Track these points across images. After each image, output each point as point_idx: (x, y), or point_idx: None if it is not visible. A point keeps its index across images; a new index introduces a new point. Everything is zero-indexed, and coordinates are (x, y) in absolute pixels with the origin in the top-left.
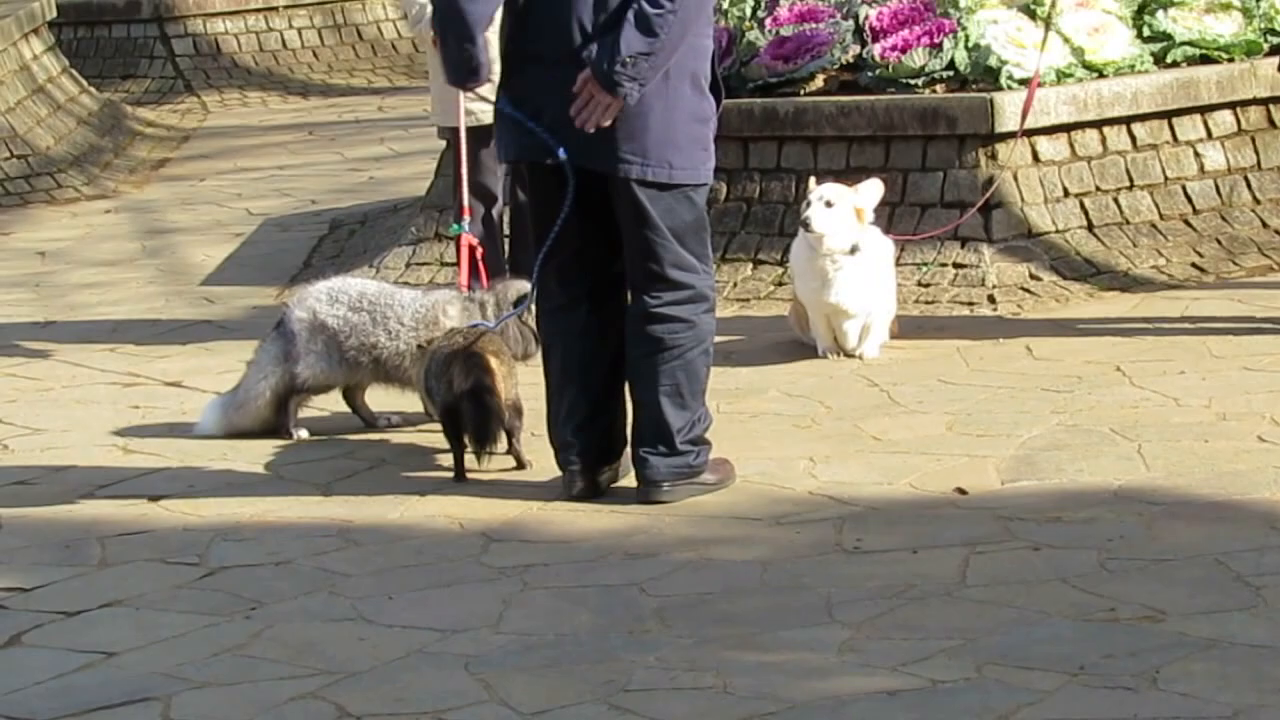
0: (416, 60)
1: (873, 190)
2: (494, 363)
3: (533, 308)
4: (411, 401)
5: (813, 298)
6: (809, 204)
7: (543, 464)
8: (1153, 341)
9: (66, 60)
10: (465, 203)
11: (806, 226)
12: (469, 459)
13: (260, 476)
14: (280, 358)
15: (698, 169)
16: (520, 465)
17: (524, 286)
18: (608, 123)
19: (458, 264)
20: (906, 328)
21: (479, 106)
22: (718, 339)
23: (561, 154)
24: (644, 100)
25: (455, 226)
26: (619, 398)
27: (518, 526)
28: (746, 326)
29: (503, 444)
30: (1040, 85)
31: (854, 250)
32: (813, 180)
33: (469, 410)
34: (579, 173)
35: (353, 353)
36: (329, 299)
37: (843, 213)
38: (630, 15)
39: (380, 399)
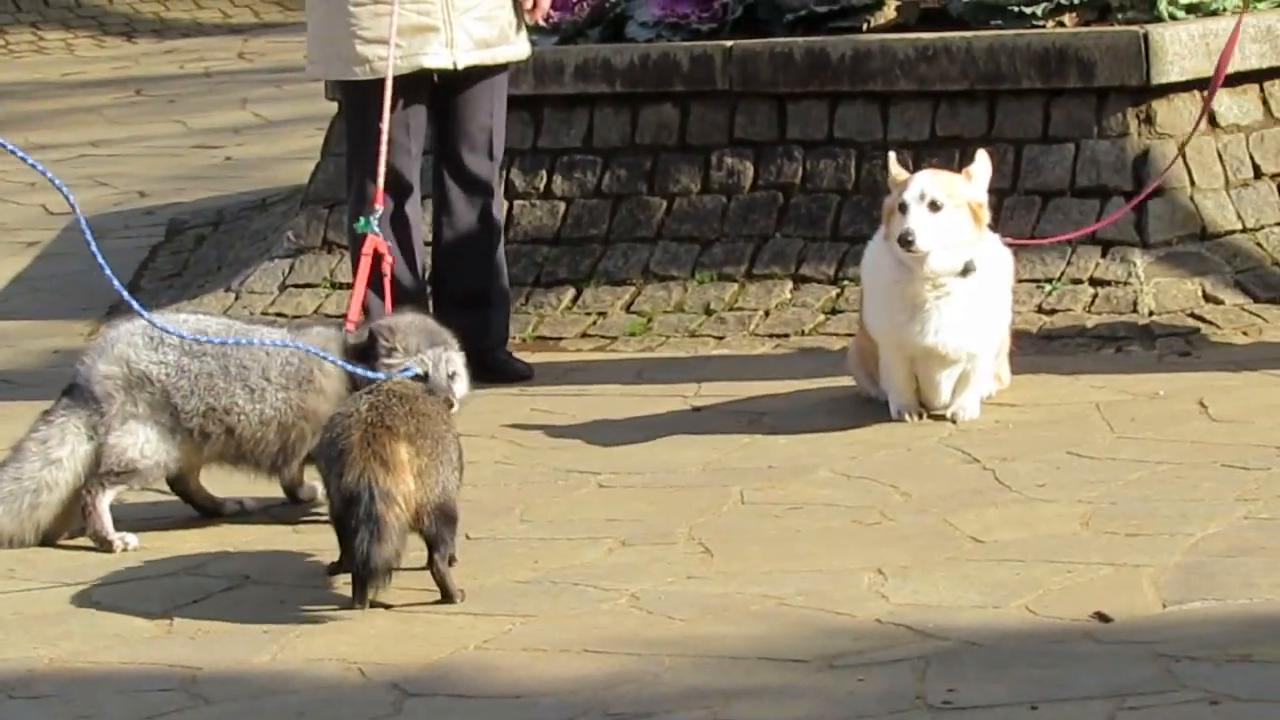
0: None
1: (984, 172)
2: (404, 452)
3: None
4: (269, 484)
5: (895, 334)
6: (905, 206)
7: (483, 579)
8: None
9: None
10: (380, 180)
11: (906, 243)
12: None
13: (63, 603)
14: (83, 432)
15: None
16: (447, 596)
17: (435, 337)
18: None
19: (353, 281)
20: (1022, 372)
21: (377, 51)
22: (742, 395)
23: None
24: None
25: (362, 222)
26: None
27: (446, 674)
28: (784, 373)
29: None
30: (1218, 13)
31: (967, 271)
32: (892, 157)
33: (349, 522)
34: None
35: (196, 420)
36: (148, 342)
37: (954, 216)
38: None
39: (222, 483)
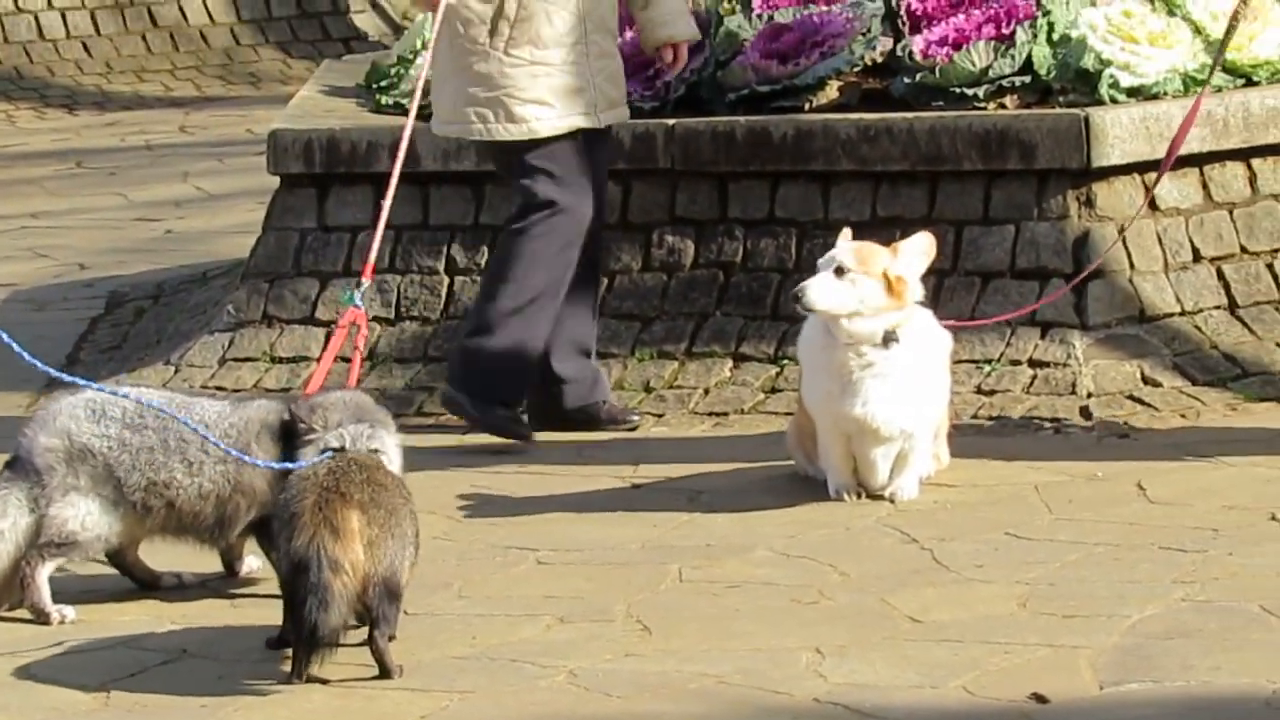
0: (236, 57)
1: (917, 250)
2: (355, 521)
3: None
4: (209, 557)
5: (828, 407)
6: (816, 268)
7: (421, 655)
8: None
9: None
10: (372, 256)
11: (797, 299)
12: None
13: (1, 676)
14: (24, 504)
15: None
16: (385, 672)
17: (367, 416)
18: None
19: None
20: (961, 453)
21: (534, 112)
22: (681, 473)
23: None
24: None
25: (346, 296)
26: None
27: None
28: (724, 453)
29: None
30: (1159, 97)
31: (888, 341)
32: (846, 233)
33: (298, 590)
34: None
35: (138, 494)
36: (90, 414)
37: (861, 283)
38: None
39: (160, 556)
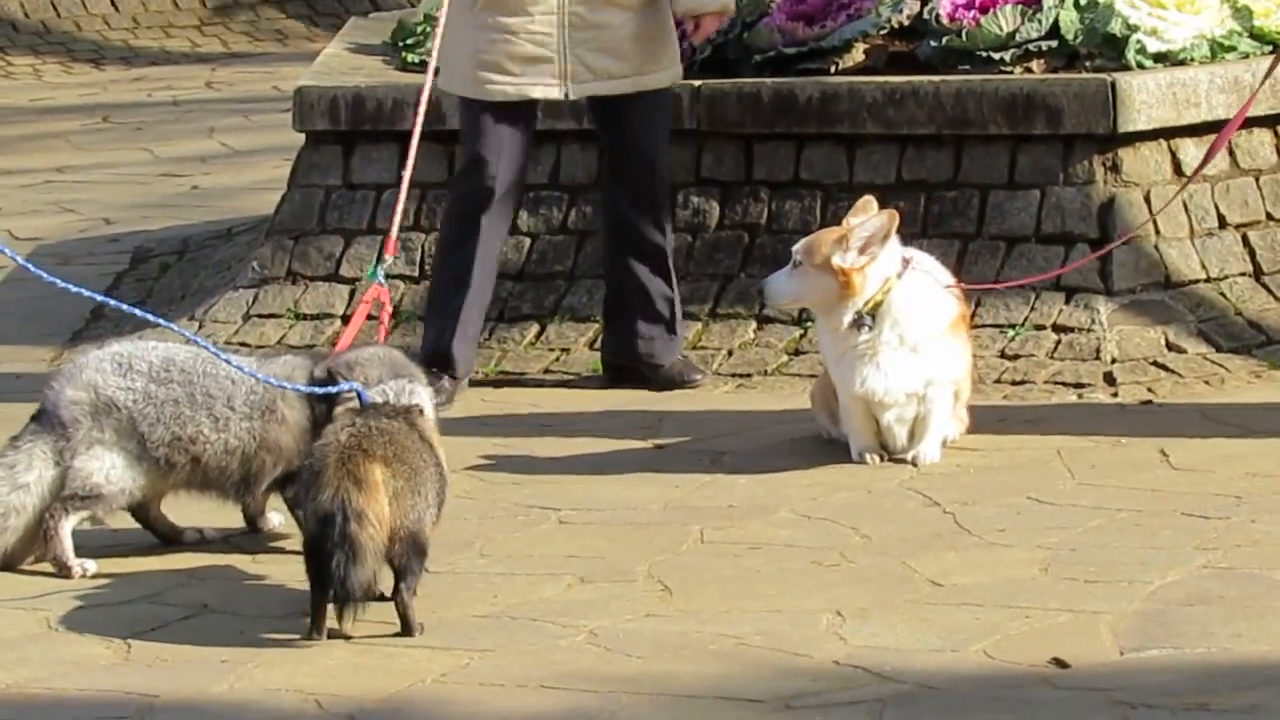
0: (263, 14)
1: (870, 234)
2: (378, 473)
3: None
4: (231, 512)
5: (837, 377)
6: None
7: (441, 613)
8: None
9: None
10: (394, 230)
11: (760, 292)
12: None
13: (23, 628)
14: (50, 457)
15: None
16: (407, 629)
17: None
18: None
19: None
20: (984, 419)
21: (489, 76)
22: (704, 434)
23: None
24: None
25: (370, 271)
26: None
27: (402, 706)
28: (747, 416)
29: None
30: (1186, 63)
31: (858, 325)
32: (870, 202)
33: (324, 544)
34: None
35: (162, 449)
36: (116, 368)
37: (809, 276)
38: None
39: (186, 510)
